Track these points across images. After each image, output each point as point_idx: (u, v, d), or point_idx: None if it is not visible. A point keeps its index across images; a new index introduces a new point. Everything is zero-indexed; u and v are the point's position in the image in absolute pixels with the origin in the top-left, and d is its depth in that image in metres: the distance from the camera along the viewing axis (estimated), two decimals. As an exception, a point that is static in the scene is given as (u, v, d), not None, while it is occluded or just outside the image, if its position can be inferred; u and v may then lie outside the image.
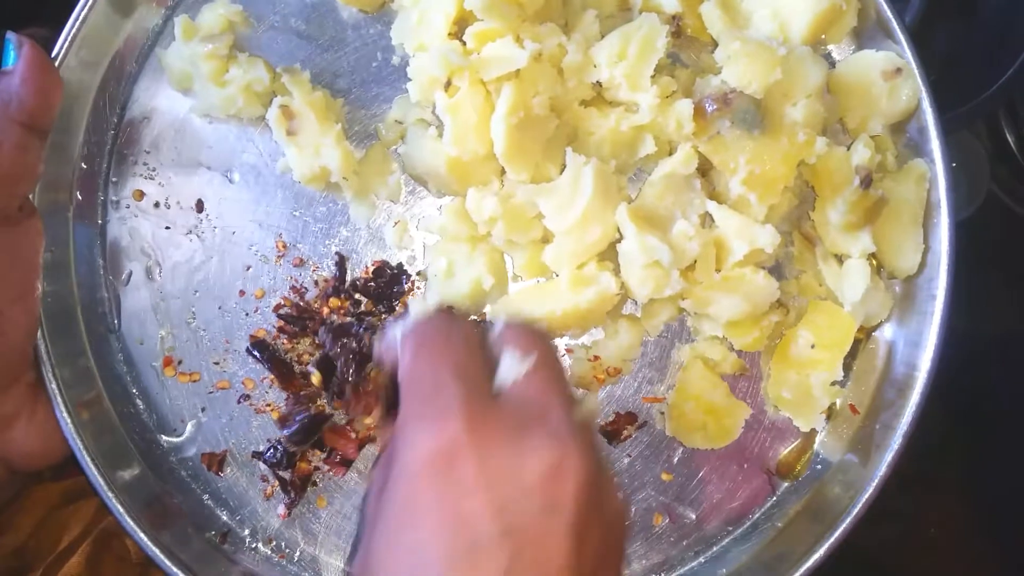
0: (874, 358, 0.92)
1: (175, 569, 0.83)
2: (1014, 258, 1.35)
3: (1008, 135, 1.30)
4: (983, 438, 1.29)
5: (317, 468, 0.89)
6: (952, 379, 1.01)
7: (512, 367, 0.69)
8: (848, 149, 0.89)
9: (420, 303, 0.88)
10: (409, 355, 0.71)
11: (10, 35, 0.81)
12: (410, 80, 0.86)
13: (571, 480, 0.63)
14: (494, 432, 0.64)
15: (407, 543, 0.64)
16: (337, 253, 0.90)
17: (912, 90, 0.88)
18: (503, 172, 0.86)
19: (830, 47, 0.94)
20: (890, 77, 0.88)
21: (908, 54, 0.88)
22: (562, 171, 0.86)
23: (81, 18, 0.86)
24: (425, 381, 0.69)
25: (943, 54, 1.24)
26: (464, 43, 0.84)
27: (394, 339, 0.73)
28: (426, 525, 0.63)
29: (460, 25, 0.85)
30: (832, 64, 0.92)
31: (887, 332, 0.92)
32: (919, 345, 0.88)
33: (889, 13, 0.88)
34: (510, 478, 0.63)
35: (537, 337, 0.73)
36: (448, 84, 0.83)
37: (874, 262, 0.91)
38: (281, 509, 0.89)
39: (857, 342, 0.92)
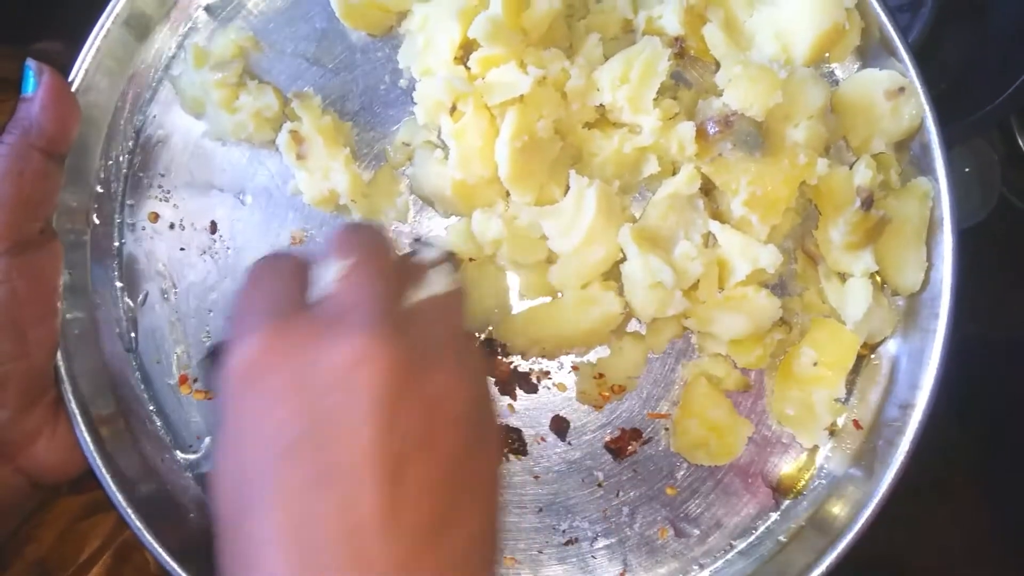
0: (877, 374, 0.93)
1: (192, 582, 0.85)
2: (1025, 263, 1.35)
3: (1020, 140, 1.30)
4: (998, 443, 1.29)
5: None
6: (965, 384, 1.02)
7: (325, 273, 0.69)
8: (851, 168, 0.89)
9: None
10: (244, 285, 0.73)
11: (30, 62, 0.84)
12: (416, 103, 0.88)
13: (369, 365, 0.62)
14: (297, 338, 0.64)
15: (228, 468, 0.65)
16: None
17: (915, 109, 0.88)
18: (508, 194, 0.88)
19: (834, 66, 0.94)
20: (893, 96, 0.89)
21: (911, 73, 0.88)
22: (566, 193, 0.88)
23: (97, 43, 0.88)
24: (239, 309, 0.70)
25: (954, 62, 1.24)
26: (469, 68, 0.85)
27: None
28: (238, 448, 0.64)
29: (466, 50, 0.86)
30: (836, 83, 0.93)
31: (891, 348, 0.93)
32: (922, 362, 0.88)
33: (892, 32, 0.89)
34: (312, 378, 0.63)
35: (359, 238, 0.73)
36: (453, 109, 0.84)
37: (878, 279, 0.92)
38: None
39: (861, 358, 0.93)
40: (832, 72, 0.94)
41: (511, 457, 0.92)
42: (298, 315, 0.67)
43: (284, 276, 0.72)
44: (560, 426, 0.92)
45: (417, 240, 0.89)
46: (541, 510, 0.92)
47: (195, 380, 0.92)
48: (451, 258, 0.79)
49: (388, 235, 0.87)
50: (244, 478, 0.64)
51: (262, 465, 0.63)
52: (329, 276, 0.69)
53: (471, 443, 0.67)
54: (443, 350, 0.68)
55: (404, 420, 0.62)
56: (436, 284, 0.73)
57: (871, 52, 0.92)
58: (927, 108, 0.88)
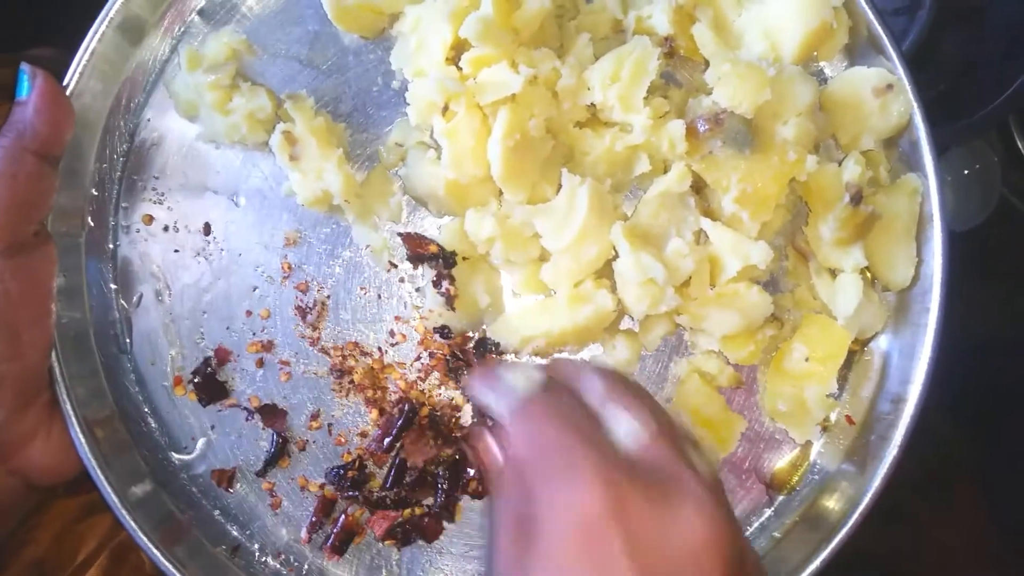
0: (869, 369, 0.94)
1: (187, 583, 0.86)
2: (1027, 263, 1.36)
3: (1019, 141, 1.31)
4: (994, 441, 1.29)
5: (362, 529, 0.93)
6: (965, 382, 1.02)
7: (634, 431, 0.69)
8: (840, 165, 0.90)
9: (518, 374, 0.77)
10: (523, 422, 0.72)
11: (24, 66, 0.84)
12: (409, 104, 0.89)
13: (719, 554, 0.64)
14: (635, 499, 0.64)
15: None
16: (408, 402, 0.92)
17: (904, 106, 0.89)
18: (501, 193, 0.88)
19: (822, 64, 0.95)
20: (881, 93, 0.89)
21: (900, 70, 0.89)
22: (558, 191, 0.88)
23: (91, 47, 0.89)
24: (551, 446, 0.69)
25: (952, 65, 1.25)
26: (461, 69, 0.86)
27: (499, 412, 0.74)
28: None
29: (457, 50, 0.86)
30: (824, 81, 0.94)
31: (882, 343, 0.94)
32: (913, 357, 0.89)
33: (881, 30, 0.89)
34: (657, 547, 0.64)
35: (642, 394, 0.74)
36: (445, 109, 0.85)
37: (868, 275, 0.92)
38: (303, 533, 0.92)
39: (852, 353, 0.93)
40: (821, 70, 0.95)
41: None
42: (627, 472, 0.66)
43: (580, 414, 0.71)
44: None
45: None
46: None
47: (189, 381, 0.92)
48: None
49: None
50: None
51: None
52: (639, 436, 0.69)
53: None
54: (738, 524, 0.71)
55: None
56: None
57: (859, 50, 0.93)
58: (915, 105, 0.89)
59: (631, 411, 0.71)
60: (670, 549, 0.63)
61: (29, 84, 0.84)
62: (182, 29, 0.94)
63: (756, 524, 0.93)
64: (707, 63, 0.90)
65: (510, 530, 0.69)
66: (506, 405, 0.74)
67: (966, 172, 1.32)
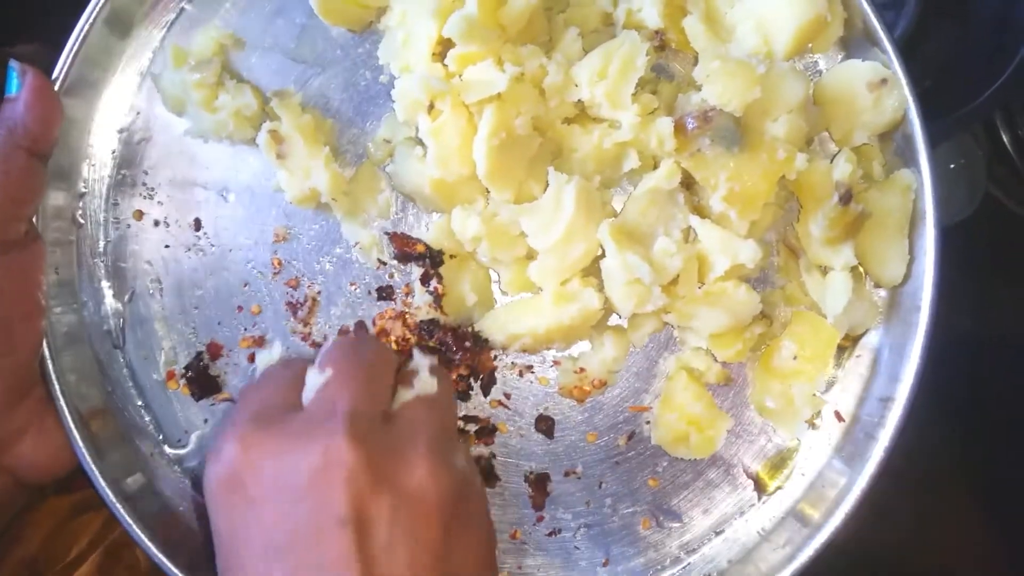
0: (859, 365, 0.93)
1: (182, 576, 0.87)
2: (1013, 258, 1.34)
3: (1004, 136, 1.29)
4: (988, 439, 1.29)
5: None
6: (954, 379, 1.02)
7: (310, 383, 0.76)
8: (833, 161, 0.89)
9: (266, 356, 0.91)
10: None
11: (13, 63, 0.85)
12: (395, 100, 0.88)
13: (338, 468, 0.67)
14: (272, 444, 0.70)
15: (230, 563, 0.71)
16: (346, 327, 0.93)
17: (898, 101, 0.88)
18: (487, 191, 0.88)
19: (817, 57, 0.93)
20: (875, 88, 0.88)
21: (895, 64, 0.88)
22: (545, 189, 0.88)
23: (79, 41, 0.88)
24: (233, 414, 0.78)
25: (939, 59, 1.23)
26: (447, 65, 0.85)
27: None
28: (231, 554, 0.70)
29: (444, 46, 0.85)
30: (819, 74, 0.92)
31: (873, 339, 0.93)
32: (904, 355, 0.88)
33: (876, 23, 0.88)
34: (284, 487, 0.68)
35: (349, 350, 0.79)
36: (431, 107, 0.84)
37: (860, 271, 0.91)
38: None
39: (842, 350, 0.93)
40: (815, 63, 0.94)
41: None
42: (279, 421, 0.72)
43: (282, 382, 0.78)
44: (546, 425, 0.93)
45: (413, 348, 0.89)
46: (524, 500, 0.93)
47: (182, 376, 0.93)
48: (437, 363, 0.84)
49: (388, 348, 0.89)
50: None
51: (253, 569, 0.67)
52: (311, 385, 0.75)
53: (454, 532, 0.70)
54: (423, 446, 0.72)
55: (377, 521, 0.66)
56: (423, 386, 0.79)
57: (854, 43, 0.91)
58: (910, 100, 0.87)
59: (325, 363, 0.77)
60: (294, 481, 0.67)
61: (19, 81, 0.84)
62: (168, 23, 0.93)
63: (743, 520, 0.94)
64: (698, 56, 0.88)
65: None
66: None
67: (952, 166, 1.30)
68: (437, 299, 0.90)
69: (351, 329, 0.92)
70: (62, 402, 0.87)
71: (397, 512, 0.67)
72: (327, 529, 0.66)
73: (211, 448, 0.75)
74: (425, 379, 0.80)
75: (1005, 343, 1.33)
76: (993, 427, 1.27)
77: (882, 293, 0.93)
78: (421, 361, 0.82)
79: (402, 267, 0.93)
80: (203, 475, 0.74)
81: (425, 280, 0.90)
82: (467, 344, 0.90)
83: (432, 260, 0.90)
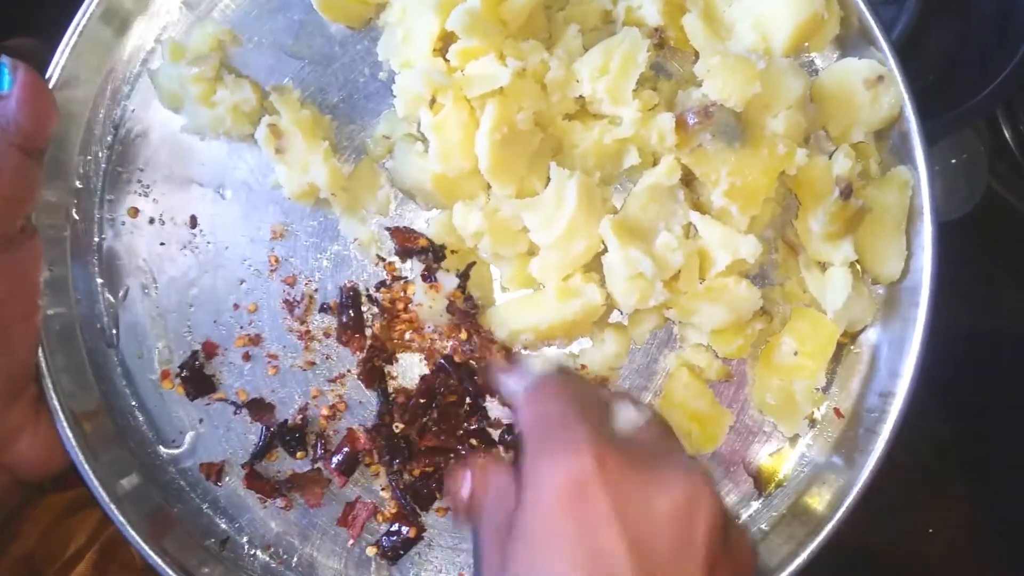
0: (858, 362, 0.94)
1: (176, 577, 0.86)
2: (1014, 253, 1.35)
3: (1006, 131, 1.31)
4: (986, 436, 1.30)
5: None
6: (954, 374, 1.02)
7: (631, 415, 0.74)
8: (830, 158, 0.89)
9: (540, 361, 0.89)
10: (533, 400, 0.77)
11: (5, 59, 0.83)
12: (396, 96, 0.88)
13: (703, 517, 0.66)
14: (623, 468, 0.67)
15: (535, 568, 0.66)
16: (346, 287, 0.92)
17: (894, 98, 0.88)
18: (489, 187, 0.88)
19: (813, 55, 0.94)
20: (872, 85, 0.89)
21: (891, 62, 0.88)
22: (547, 185, 0.88)
23: (75, 38, 0.87)
24: (552, 421, 0.73)
25: (939, 55, 1.24)
26: (448, 60, 0.85)
27: (514, 388, 0.81)
28: (563, 557, 0.65)
29: (445, 42, 0.85)
30: (816, 72, 0.93)
31: (872, 336, 0.94)
32: (903, 351, 0.89)
33: (872, 21, 0.89)
34: (642, 512, 0.65)
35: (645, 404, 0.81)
36: (433, 102, 0.84)
37: (858, 268, 0.92)
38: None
39: (841, 347, 0.93)
40: (812, 61, 0.94)
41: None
42: (618, 445, 0.69)
43: (591, 398, 0.76)
44: None
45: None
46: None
47: (177, 375, 0.91)
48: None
49: None
50: None
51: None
52: (634, 418, 0.74)
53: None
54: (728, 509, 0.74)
55: (721, 571, 0.66)
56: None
57: (851, 41, 0.92)
58: (906, 97, 0.88)
59: (631, 401, 0.76)
60: (655, 509, 0.65)
61: (11, 77, 0.82)
62: (166, 19, 0.92)
63: (744, 517, 0.94)
64: (698, 54, 0.89)
65: (493, 500, 0.74)
66: (521, 384, 0.80)
67: (953, 161, 1.31)
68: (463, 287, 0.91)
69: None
70: (55, 402, 0.85)
71: (732, 566, 0.68)
72: (686, 566, 0.65)
73: (555, 449, 0.69)
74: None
75: (1006, 338, 1.34)
76: (992, 422, 1.27)
77: (880, 290, 0.93)
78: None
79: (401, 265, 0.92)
80: (535, 474, 0.69)
81: (427, 276, 0.90)
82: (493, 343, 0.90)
83: (434, 255, 0.89)
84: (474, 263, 0.91)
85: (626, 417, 0.74)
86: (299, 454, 0.91)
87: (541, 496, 0.67)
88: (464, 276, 0.91)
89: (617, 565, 0.63)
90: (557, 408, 0.73)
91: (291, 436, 0.91)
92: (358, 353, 0.91)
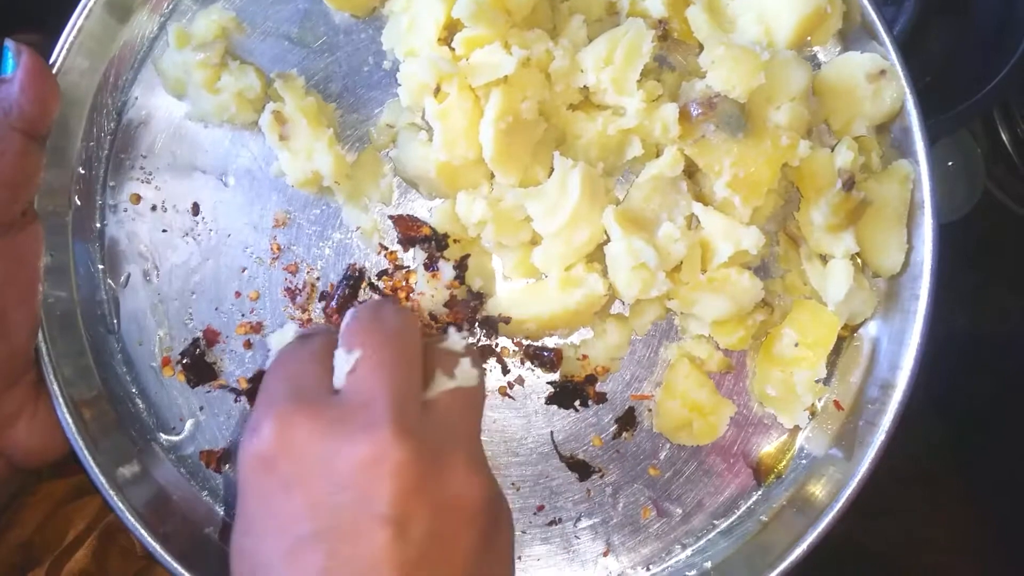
0: (858, 355, 0.94)
1: (175, 564, 0.85)
2: (1010, 255, 1.36)
3: (1003, 134, 1.31)
4: (983, 437, 1.30)
5: None
6: (949, 377, 1.03)
7: (339, 364, 0.72)
8: (832, 151, 0.90)
9: (279, 335, 0.89)
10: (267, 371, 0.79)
11: (8, 43, 0.83)
12: (400, 85, 0.88)
13: (385, 466, 0.64)
14: (315, 427, 0.67)
15: (245, 548, 0.69)
16: (352, 267, 0.92)
17: (896, 92, 0.89)
18: (492, 176, 0.88)
19: (816, 49, 0.95)
20: (874, 79, 0.89)
21: (893, 56, 0.89)
22: (550, 174, 0.88)
23: (78, 24, 0.87)
24: (262, 391, 0.75)
25: (938, 55, 1.25)
26: (453, 49, 0.85)
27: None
28: (253, 530, 0.68)
29: (450, 31, 0.85)
30: (818, 66, 0.94)
31: (872, 329, 0.94)
32: (903, 343, 0.89)
33: (874, 15, 0.89)
34: (323, 474, 0.65)
35: (379, 321, 0.76)
36: (437, 90, 0.84)
37: (859, 261, 0.92)
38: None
39: (842, 339, 0.94)
40: (815, 55, 0.95)
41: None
42: (317, 403, 0.69)
43: (308, 360, 0.75)
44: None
45: (448, 327, 0.86)
46: (524, 490, 0.93)
47: (178, 362, 0.91)
48: (476, 351, 0.81)
49: (413, 317, 0.84)
50: (257, 562, 0.66)
51: (275, 554, 0.65)
52: (346, 366, 0.71)
53: (488, 537, 0.69)
54: (460, 446, 0.70)
55: (418, 523, 0.64)
56: (464, 377, 0.75)
57: (853, 35, 0.93)
58: (908, 91, 0.89)
59: (345, 344, 0.73)
60: (335, 471, 0.65)
61: (14, 61, 0.82)
62: (170, 6, 0.92)
63: (744, 508, 0.94)
64: (701, 46, 0.89)
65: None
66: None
67: (950, 164, 1.32)
68: (460, 277, 0.90)
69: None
70: (55, 389, 0.85)
71: (437, 516, 0.66)
72: (366, 524, 0.64)
73: (248, 423, 0.72)
74: (467, 369, 0.76)
75: (1004, 340, 1.35)
76: (989, 423, 1.28)
77: (881, 283, 0.93)
78: (457, 343, 0.79)
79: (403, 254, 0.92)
80: (238, 449, 0.72)
81: (430, 264, 0.90)
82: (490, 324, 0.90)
83: (437, 243, 0.89)
84: (469, 255, 0.91)
85: (339, 363, 0.73)
86: None
87: (238, 469, 0.71)
88: (461, 267, 0.91)
89: (298, 532, 0.64)
90: (270, 376, 0.76)
91: None
92: None
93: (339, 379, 0.72)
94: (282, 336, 0.88)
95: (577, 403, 0.93)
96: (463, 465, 0.69)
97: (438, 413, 0.72)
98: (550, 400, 0.93)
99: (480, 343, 0.92)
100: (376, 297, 0.91)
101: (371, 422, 0.66)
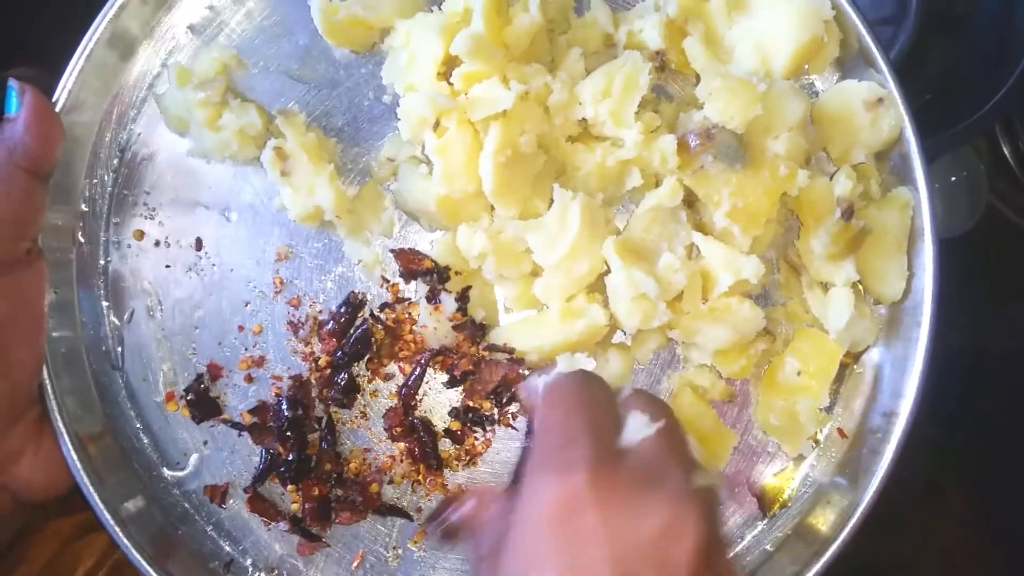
0: (861, 382, 0.94)
1: (181, 599, 0.85)
2: (1015, 269, 1.36)
3: (1005, 149, 1.31)
4: (990, 450, 1.30)
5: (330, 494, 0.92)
6: (956, 389, 1.02)
7: (639, 427, 0.72)
8: (831, 179, 0.90)
9: (566, 361, 0.82)
10: (546, 405, 0.76)
11: (12, 82, 0.84)
12: (400, 119, 0.88)
13: (685, 542, 0.65)
14: (616, 487, 0.67)
15: None
16: (353, 294, 0.92)
17: (894, 119, 0.89)
18: (492, 208, 0.88)
19: (813, 77, 0.95)
20: (872, 107, 0.89)
21: (890, 84, 0.89)
22: (550, 206, 0.88)
23: (81, 62, 0.88)
24: (557, 431, 0.72)
25: (938, 73, 1.25)
26: (452, 84, 0.85)
27: (535, 389, 0.78)
28: (549, 570, 0.65)
29: (448, 66, 0.86)
30: (816, 94, 0.94)
31: (874, 356, 0.94)
32: (905, 371, 0.89)
33: (871, 43, 0.89)
34: (628, 533, 0.65)
35: (663, 406, 0.76)
36: (437, 124, 0.85)
37: (860, 288, 0.92)
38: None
39: (844, 367, 0.94)
40: (812, 84, 0.95)
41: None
42: (617, 463, 0.69)
43: (608, 410, 0.74)
44: None
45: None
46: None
47: (182, 397, 0.92)
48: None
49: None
50: None
51: None
52: (642, 432, 0.72)
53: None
54: (720, 534, 0.71)
55: None
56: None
57: (850, 64, 0.93)
58: (906, 119, 0.89)
59: (647, 410, 0.73)
60: (640, 531, 0.65)
61: (18, 101, 0.83)
62: (171, 44, 0.93)
63: (749, 538, 0.94)
64: (698, 77, 0.90)
65: (494, 510, 0.75)
66: (541, 382, 0.78)
67: (953, 179, 1.32)
68: (463, 309, 0.91)
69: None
70: (60, 425, 0.86)
71: None
72: None
73: (543, 453, 0.71)
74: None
75: (1008, 353, 1.35)
76: (995, 437, 1.27)
77: (882, 310, 0.93)
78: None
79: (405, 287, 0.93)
80: (531, 488, 0.69)
81: (432, 297, 0.90)
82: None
83: (439, 276, 0.90)
84: (471, 286, 0.92)
85: (636, 427, 0.73)
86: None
87: (533, 510, 0.68)
88: (463, 299, 0.91)
89: (597, 572, 0.64)
90: (565, 415, 0.73)
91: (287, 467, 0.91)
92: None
93: (630, 440, 0.72)
94: (572, 363, 0.80)
95: None
96: (727, 557, 0.71)
97: (702, 496, 0.71)
98: None
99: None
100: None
101: (673, 496, 0.67)
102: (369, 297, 0.93)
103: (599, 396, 0.76)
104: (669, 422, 0.73)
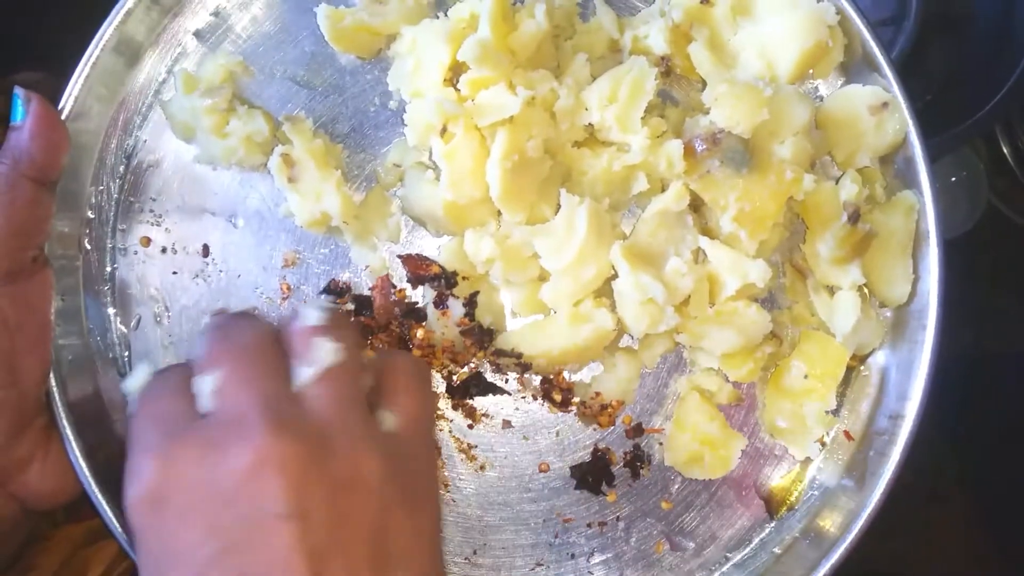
0: (867, 385, 0.94)
1: (189, 607, 0.85)
2: (1015, 269, 1.37)
3: (1005, 149, 1.32)
4: (991, 453, 1.30)
5: None
6: (956, 391, 1.02)
7: (200, 390, 0.71)
8: (837, 183, 0.90)
9: (132, 380, 0.78)
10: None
11: (18, 90, 0.84)
12: (407, 125, 0.89)
13: (267, 468, 0.64)
14: (191, 455, 0.66)
15: None
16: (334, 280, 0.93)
17: (899, 123, 0.90)
18: (499, 213, 0.88)
19: (817, 82, 0.95)
20: (877, 111, 0.90)
21: (895, 88, 0.90)
22: (557, 211, 0.88)
23: (87, 69, 0.88)
24: (133, 439, 0.72)
25: (939, 74, 1.26)
26: (459, 90, 0.86)
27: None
28: (160, 570, 0.66)
29: (455, 71, 0.87)
30: (820, 99, 0.95)
31: (880, 359, 0.94)
32: (911, 374, 0.89)
33: (875, 48, 0.90)
34: (213, 494, 0.65)
35: (227, 337, 0.74)
36: (443, 130, 0.85)
37: (866, 291, 0.93)
38: None
39: (850, 370, 0.94)
40: (816, 88, 0.96)
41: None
42: (189, 431, 0.68)
43: (169, 395, 0.73)
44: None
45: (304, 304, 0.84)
46: (537, 526, 0.93)
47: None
48: (336, 314, 0.76)
49: (259, 319, 0.79)
50: None
51: None
52: (208, 388, 0.70)
53: (395, 503, 0.68)
54: (341, 427, 0.68)
55: (316, 510, 0.64)
56: (322, 359, 0.72)
57: (854, 68, 0.93)
58: (910, 122, 0.89)
59: (207, 364, 0.72)
60: (220, 489, 0.64)
61: (24, 109, 0.83)
62: (178, 50, 0.93)
63: (756, 540, 0.94)
64: (704, 82, 0.90)
65: None
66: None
67: (953, 179, 1.33)
68: (470, 314, 0.91)
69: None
70: (68, 432, 0.85)
71: (334, 499, 0.65)
72: (267, 527, 0.63)
73: (127, 472, 0.70)
74: (323, 349, 0.72)
75: (1008, 354, 1.35)
76: (996, 438, 1.28)
77: (887, 313, 0.94)
78: (310, 318, 0.74)
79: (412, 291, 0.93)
80: (123, 501, 0.69)
81: (439, 302, 0.90)
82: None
83: (446, 281, 0.90)
84: (478, 292, 0.92)
85: (206, 390, 0.70)
86: None
87: (127, 506, 0.69)
88: (471, 304, 0.91)
89: (202, 558, 0.63)
90: (140, 412, 0.73)
91: None
92: None
93: (205, 404, 0.70)
94: (135, 380, 0.78)
95: (604, 485, 0.93)
96: (348, 444, 0.68)
97: (309, 401, 0.70)
98: (577, 486, 0.93)
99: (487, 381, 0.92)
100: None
101: (245, 431, 0.66)
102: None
103: (167, 380, 0.74)
104: (230, 358, 0.71)
